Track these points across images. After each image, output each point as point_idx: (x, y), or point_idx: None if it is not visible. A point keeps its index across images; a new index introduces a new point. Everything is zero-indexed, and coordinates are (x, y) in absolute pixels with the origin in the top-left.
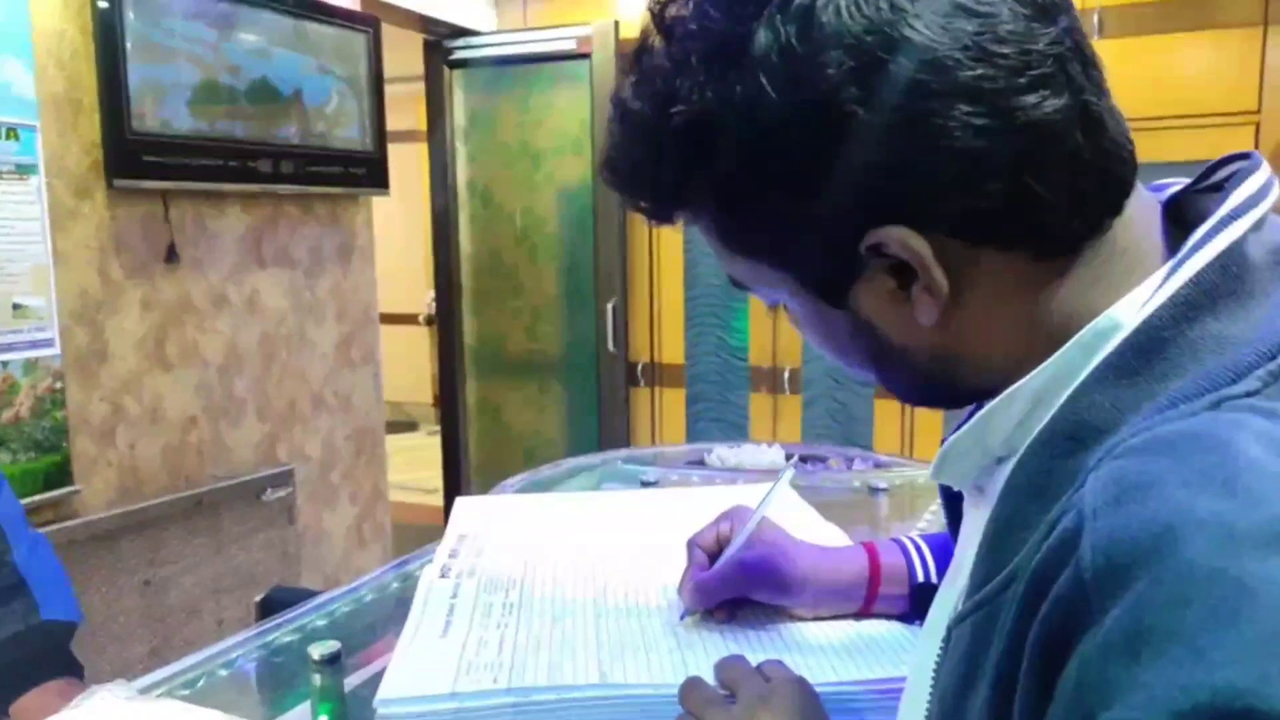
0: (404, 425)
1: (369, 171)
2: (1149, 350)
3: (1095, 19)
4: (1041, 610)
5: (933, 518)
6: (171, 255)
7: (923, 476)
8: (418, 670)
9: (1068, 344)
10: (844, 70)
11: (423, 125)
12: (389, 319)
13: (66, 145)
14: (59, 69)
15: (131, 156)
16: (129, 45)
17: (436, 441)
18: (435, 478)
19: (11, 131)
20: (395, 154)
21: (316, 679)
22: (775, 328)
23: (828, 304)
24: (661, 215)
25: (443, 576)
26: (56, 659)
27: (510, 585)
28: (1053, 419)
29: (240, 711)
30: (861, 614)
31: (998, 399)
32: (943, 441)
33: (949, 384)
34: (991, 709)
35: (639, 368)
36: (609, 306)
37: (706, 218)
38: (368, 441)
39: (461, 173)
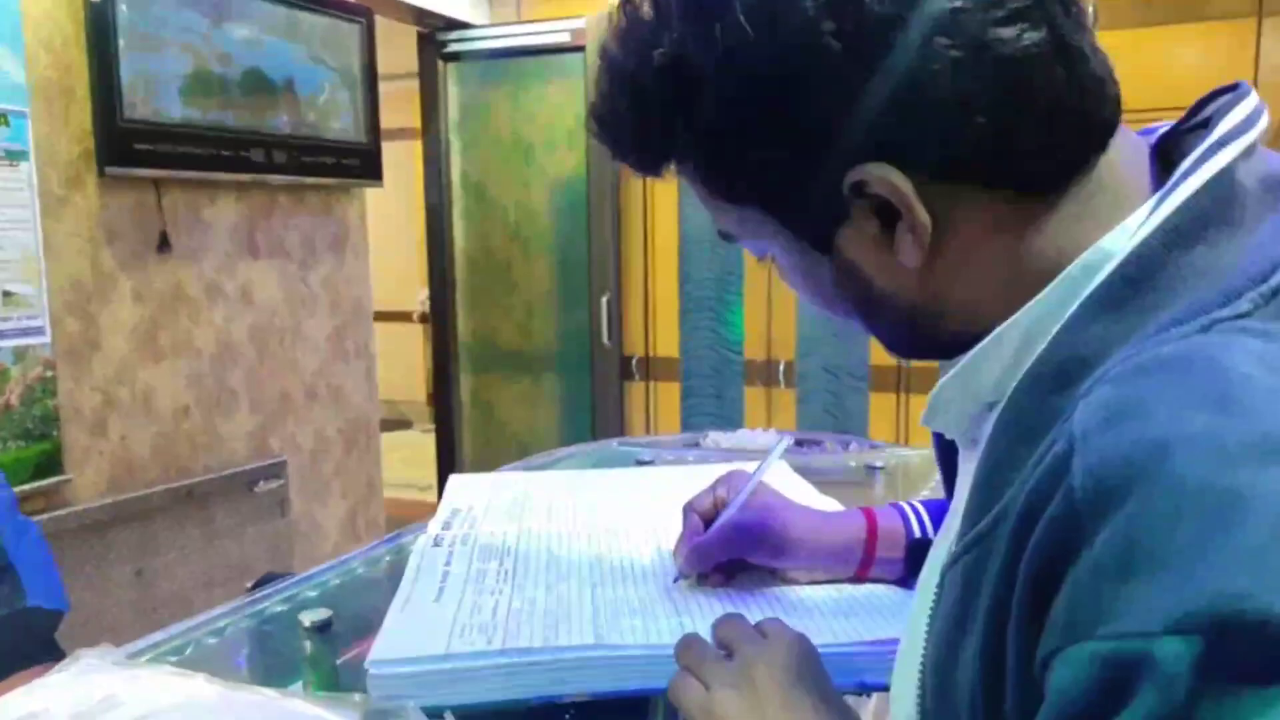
0: (398, 423)
1: (362, 163)
2: (1138, 279)
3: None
4: (1033, 539)
5: (930, 494)
6: (164, 244)
7: (919, 457)
8: (410, 633)
9: (1055, 280)
10: (820, 5)
11: (417, 123)
12: (383, 316)
13: (57, 133)
14: (50, 56)
15: (123, 145)
16: (121, 33)
17: (430, 440)
18: (429, 476)
19: (2, 118)
20: (390, 151)
21: (307, 646)
22: (770, 321)
23: (814, 251)
24: (648, 166)
25: (435, 545)
26: (40, 645)
27: (505, 553)
28: (1040, 356)
29: (228, 678)
30: (858, 578)
31: (985, 340)
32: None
33: (935, 331)
34: (985, 649)
35: (633, 361)
36: (603, 300)
37: (691, 166)
38: (361, 434)
39: (455, 167)
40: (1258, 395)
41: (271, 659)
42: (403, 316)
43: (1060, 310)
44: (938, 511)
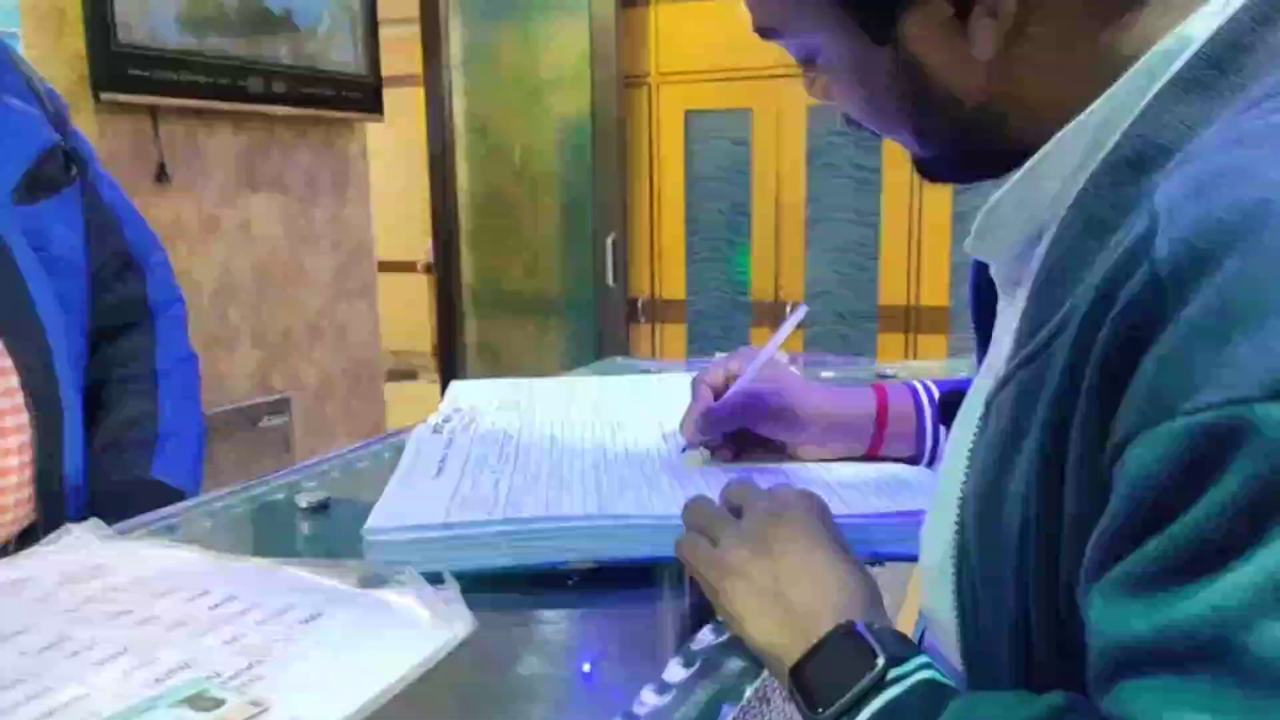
0: (403, 374)
1: (363, 96)
2: (1224, 59)
3: None
4: (1105, 327)
5: None
6: (162, 175)
7: (934, 366)
8: (409, 503)
9: (1131, 69)
10: None
11: (421, 69)
12: (388, 267)
13: (51, 57)
14: None
15: (118, 69)
16: None
17: (436, 390)
18: None
19: None
20: (394, 99)
21: (304, 526)
22: (778, 262)
23: (871, 44)
24: None
25: (435, 433)
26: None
27: (506, 440)
28: (1114, 147)
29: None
30: (869, 455)
31: (1049, 143)
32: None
33: (992, 140)
34: (1041, 461)
35: (639, 304)
36: (609, 241)
37: None
38: (365, 376)
39: (459, 108)
40: None
41: (267, 538)
42: (408, 267)
43: (1135, 102)
44: (950, 391)
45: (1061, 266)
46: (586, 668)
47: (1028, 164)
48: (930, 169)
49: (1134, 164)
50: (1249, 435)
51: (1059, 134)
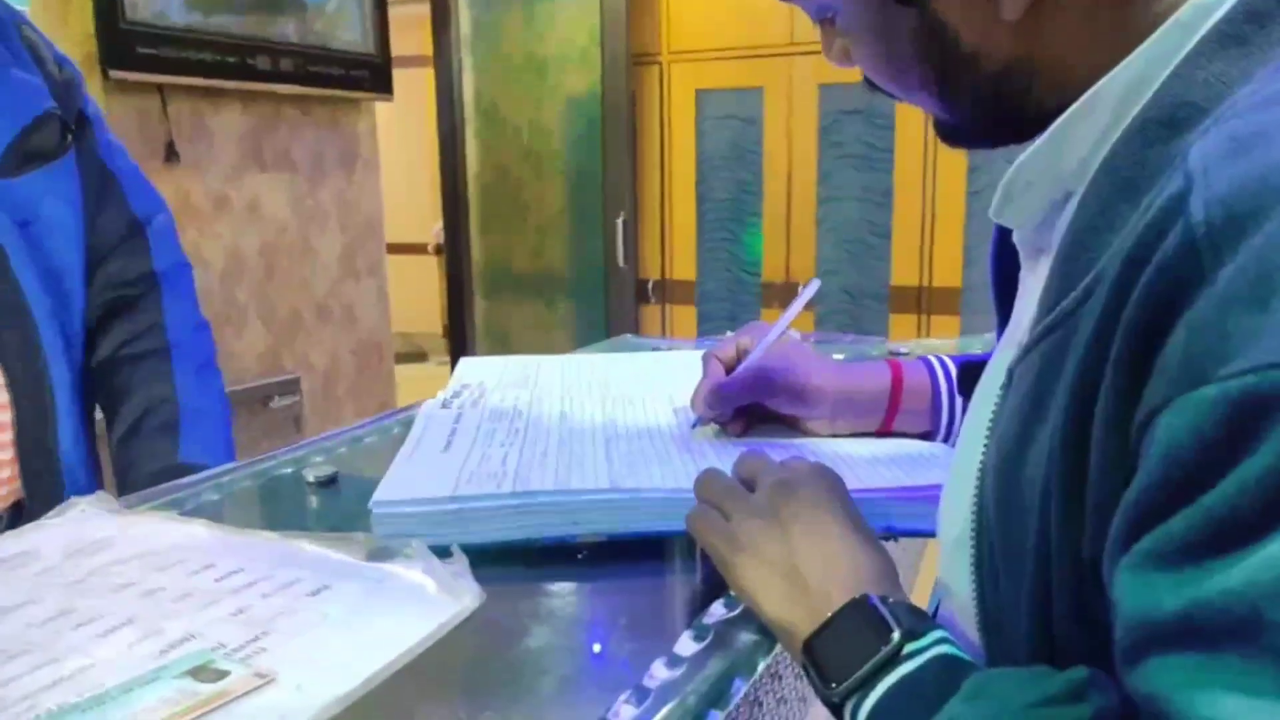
0: (413, 355)
1: (371, 75)
2: (1264, 13)
3: None
4: (1135, 293)
5: None
6: (171, 154)
7: (946, 345)
8: (416, 477)
9: (1164, 25)
10: None
11: (430, 49)
12: (398, 249)
13: (58, 34)
14: None
15: (126, 47)
16: None
17: (446, 372)
18: None
19: None
20: (403, 80)
21: (312, 501)
22: (789, 242)
23: (894, 2)
24: None
25: (444, 408)
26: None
27: (515, 415)
28: (1146, 106)
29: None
30: (882, 431)
31: (1077, 102)
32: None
33: (1017, 103)
34: (1066, 429)
35: (649, 285)
36: (618, 221)
37: None
38: (374, 356)
39: (468, 87)
40: None
41: (274, 512)
42: (418, 249)
43: (1169, 59)
44: (968, 362)
45: (1090, 230)
46: (597, 648)
47: (1055, 124)
48: (952, 133)
49: (1167, 123)
50: None
51: (1089, 92)
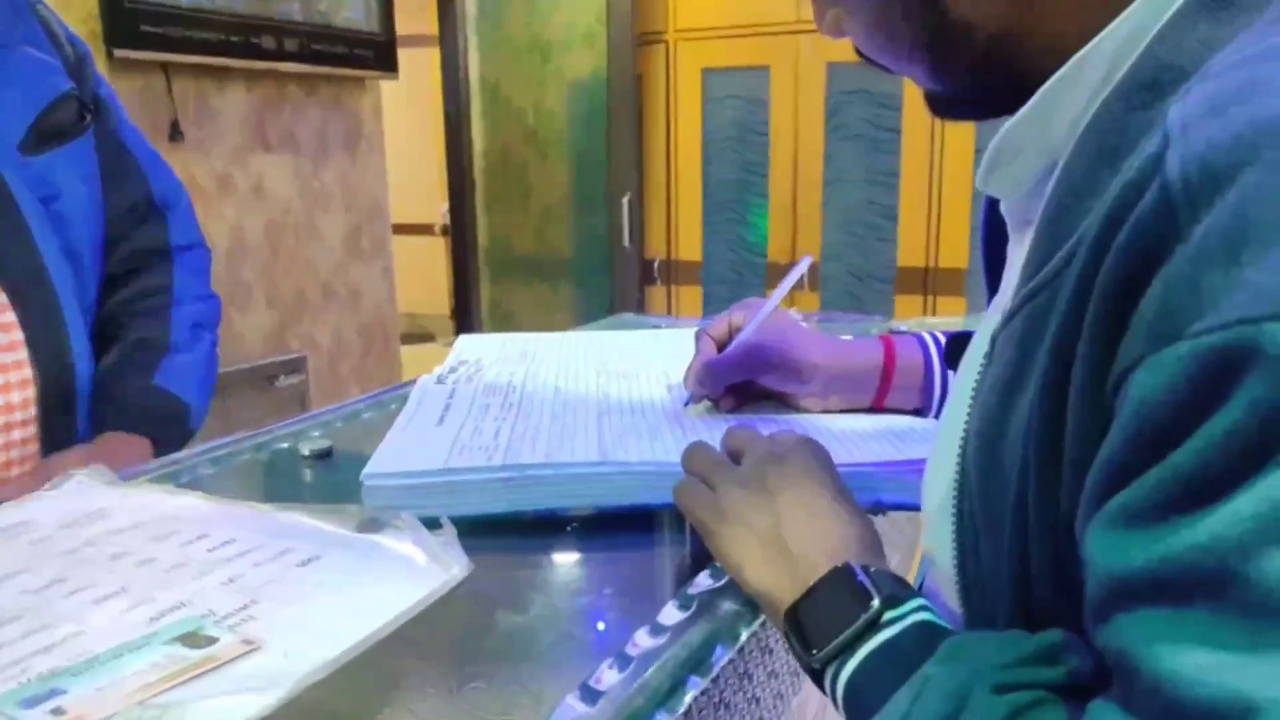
0: (420, 336)
1: (376, 54)
2: None
3: None
4: (1113, 249)
5: None
6: (175, 133)
7: (948, 325)
8: (408, 450)
9: None
10: None
11: (435, 29)
12: (405, 229)
13: (64, 14)
14: None
15: (131, 26)
16: None
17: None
18: None
19: None
20: (409, 60)
21: (307, 474)
22: (795, 223)
23: None
24: None
25: (439, 383)
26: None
27: (510, 390)
28: (1131, 70)
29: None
30: (875, 407)
31: (1065, 66)
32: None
33: (1009, 73)
34: (1044, 394)
35: (655, 265)
36: (624, 202)
37: None
38: (379, 337)
39: (473, 67)
40: None
41: (269, 485)
42: (425, 229)
43: (1153, 23)
44: (956, 335)
45: (1072, 195)
46: (583, 618)
47: (1041, 90)
48: (944, 105)
49: (1150, 87)
50: (1257, 358)
51: (1075, 57)
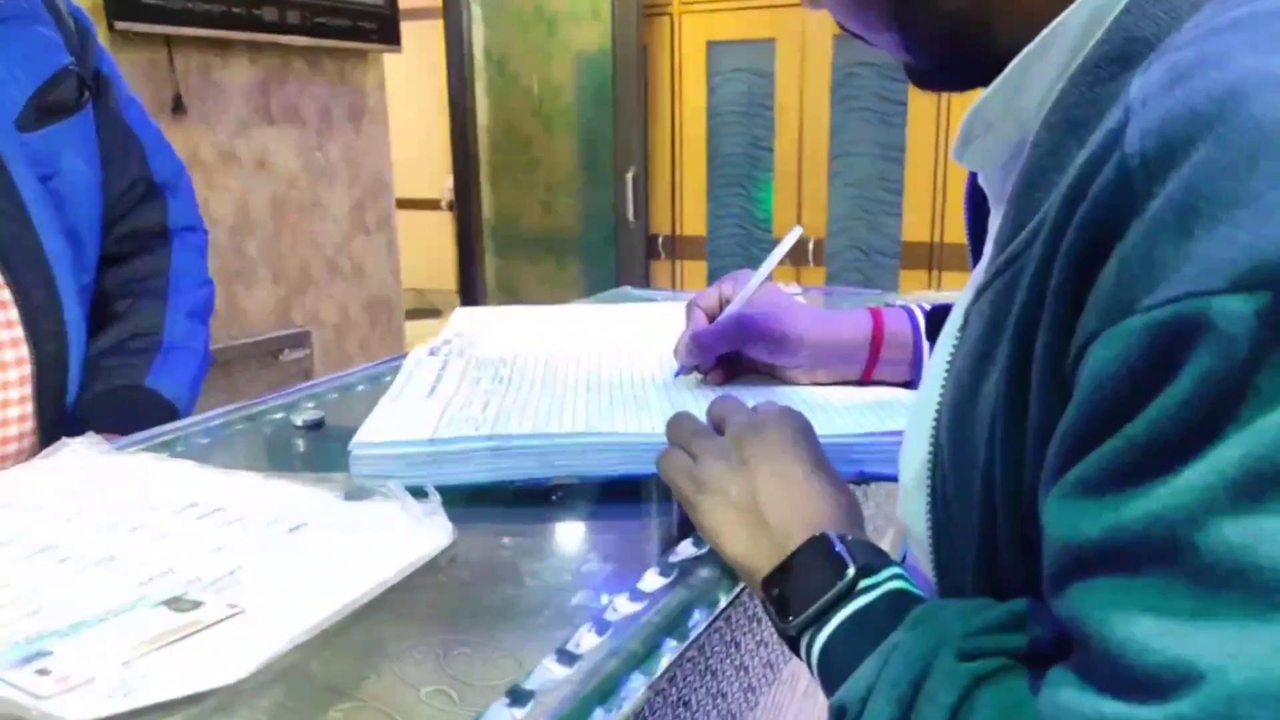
0: (426, 312)
1: (379, 27)
2: None
3: None
4: (1072, 225)
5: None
6: (178, 107)
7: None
8: (397, 420)
9: None
10: None
11: (440, 0)
12: (410, 204)
13: None
14: None
15: None
16: None
17: None
18: None
19: None
20: (413, 32)
21: (299, 444)
22: (800, 198)
23: None
24: None
25: (431, 354)
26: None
27: (501, 364)
28: (1098, 42)
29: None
30: (863, 380)
31: (1035, 40)
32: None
33: (978, 43)
34: (1011, 366)
35: (660, 240)
36: (629, 176)
37: None
38: (384, 312)
39: (479, 40)
40: None
41: (261, 455)
42: (431, 204)
43: None
44: (938, 308)
45: (1039, 170)
46: (566, 584)
47: (1010, 65)
48: (920, 76)
49: (1116, 59)
50: (1205, 330)
51: (1045, 31)
